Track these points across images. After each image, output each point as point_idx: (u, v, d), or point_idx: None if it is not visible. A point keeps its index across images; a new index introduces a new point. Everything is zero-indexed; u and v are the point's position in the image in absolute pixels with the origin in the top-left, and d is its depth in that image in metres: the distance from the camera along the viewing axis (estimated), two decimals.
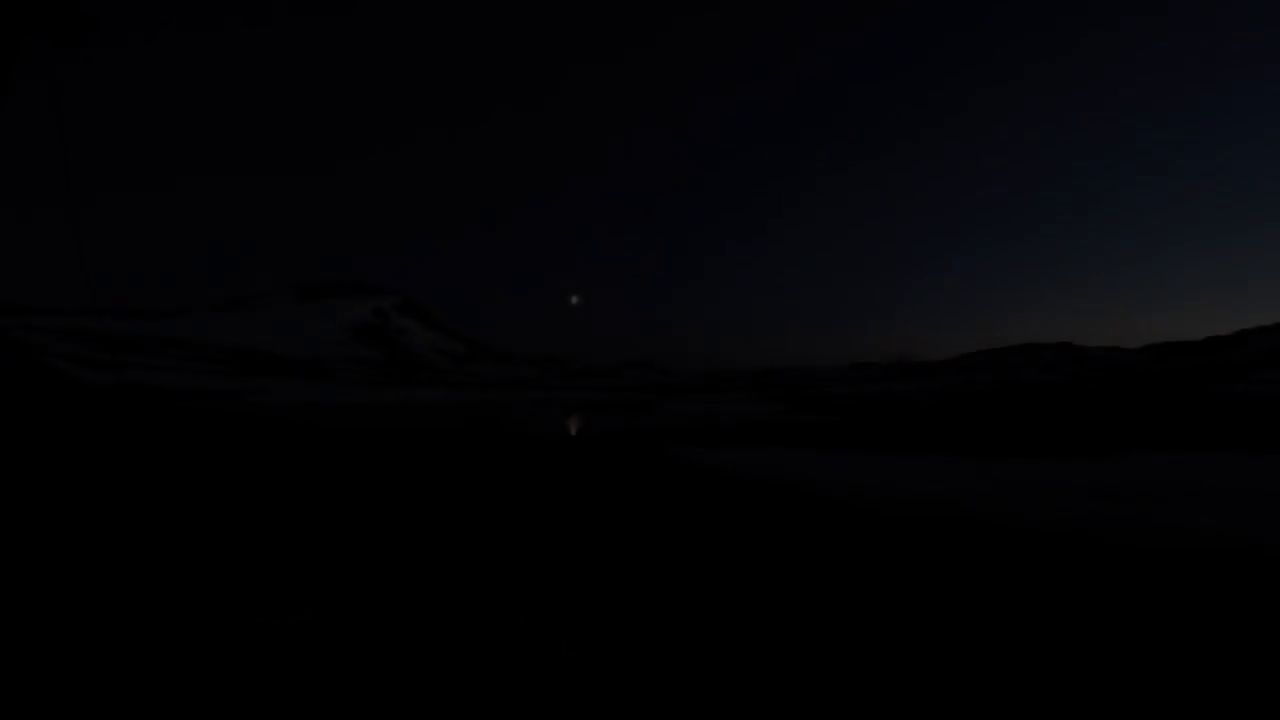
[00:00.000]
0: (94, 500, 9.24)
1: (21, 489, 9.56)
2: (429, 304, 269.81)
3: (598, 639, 5.15)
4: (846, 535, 9.80)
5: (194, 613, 5.07)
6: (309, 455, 16.19)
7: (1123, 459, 17.87)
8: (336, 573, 6.33)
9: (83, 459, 12.54)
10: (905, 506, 12.04)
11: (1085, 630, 5.96)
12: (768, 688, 4.53)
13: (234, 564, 6.44)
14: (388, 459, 16.29)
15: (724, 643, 5.26)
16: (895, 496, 12.99)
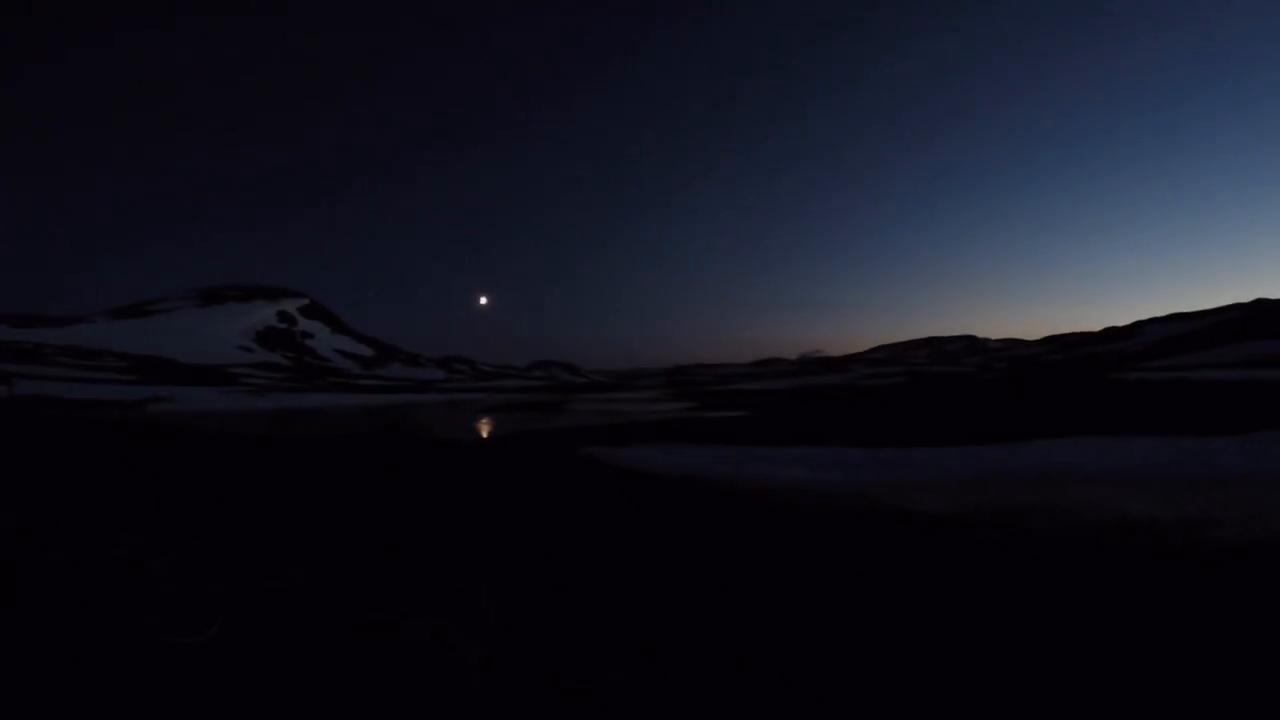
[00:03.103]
0: None
1: None
2: (335, 306, 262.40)
3: (507, 640, 5.06)
4: (757, 528, 9.82)
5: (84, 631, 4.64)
6: (214, 464, 15.58)
7: (1026, 446, 18.35)
8: (238, 583, 6.02)
9: None
10: (814, 498, 12.04)
11: (991, 614, 6.03)
12: (675, 682, 4.52)
13: (129, 580, 5.89)
14: (296, 466, 15.75)
15: (633, 639, 5.25)
16: (804, 489, 12.94)
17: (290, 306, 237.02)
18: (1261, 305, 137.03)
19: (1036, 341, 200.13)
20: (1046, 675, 4.76)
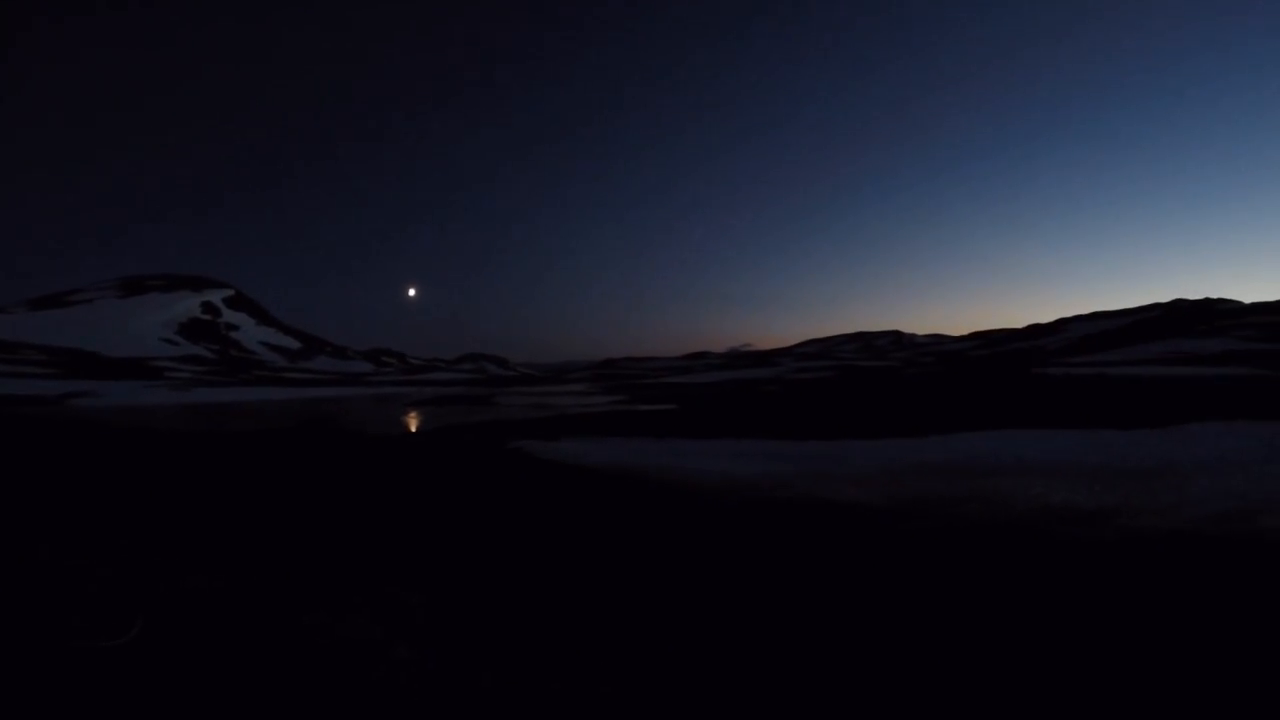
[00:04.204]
0: None
1: None
2: (261, 297, 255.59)
3: (436, 637, 5.00)
4: (686, 520, 9.80)
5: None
6: (137, 461, 14.99)
7: (952, 438, 18.57)
8: (160, 583, 5.77)
9: None
10: (743, 490, 11.95)
11: (915, 601, 6.14)
12: (601, 677, 4.50)
13: (48, 581, 5.55)
14: (222, 462, 15.26)
15: (563, 633, 5.23)
16: (734, 481, 12.83)
17: (215, 297, 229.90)
18: (1179, 305, 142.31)
19: (963, 337, 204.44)
20: (969, 658, 4.86)
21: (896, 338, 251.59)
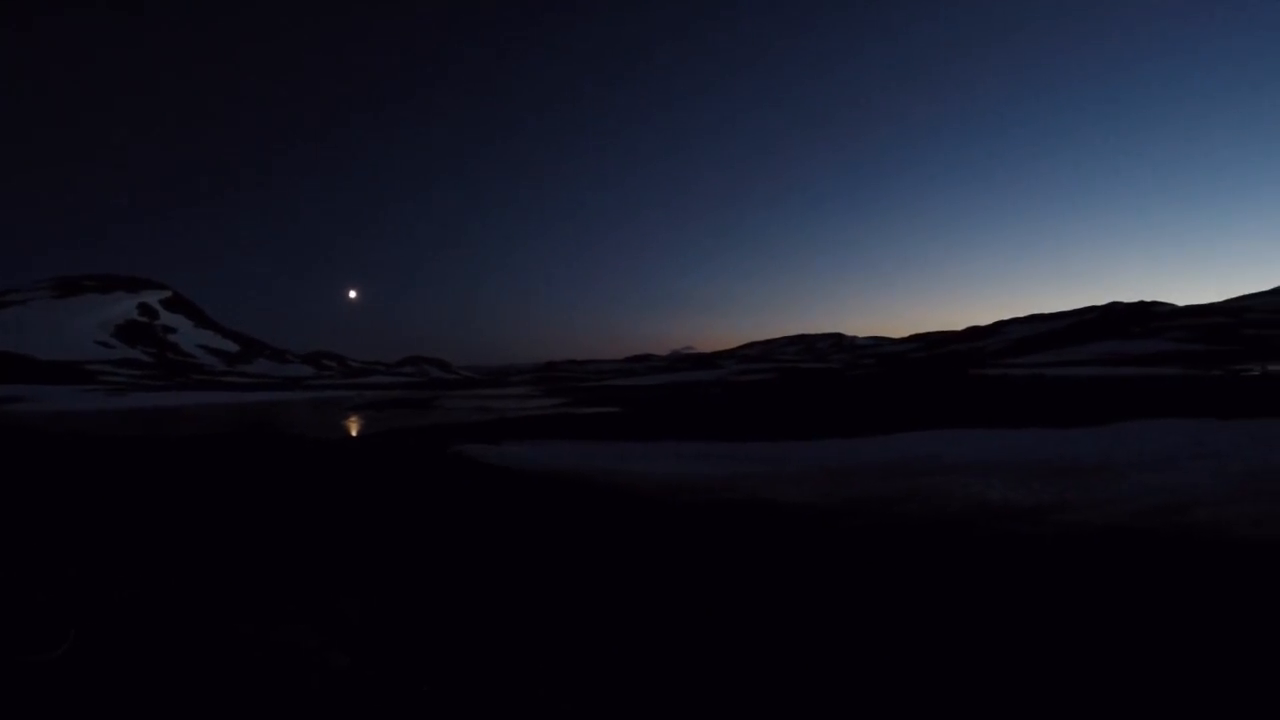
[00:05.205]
0: None
1: None
2: (199, 298, 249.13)
3: (373, 645, 4.88)
4: (630, 524, 9.71)
5: None
6: (70, 468, 14.46)
7: (893, 438, 18.74)
8: (92, 594, 5.61)
9: None
10: (687, 492, 11.83)
11: (857, 598, 6.16)
12: (541, 681, 4.42)
13: None
14: (157, 469, 14.68)
15: (501, 639, 5.13)
16: (677, 483, 12.70)
17: (152, 299, 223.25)
18: (1115, 307, 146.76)
19: (903, 339, 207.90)
20: (906, 653, 4.86)
21: (838, 340, 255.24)
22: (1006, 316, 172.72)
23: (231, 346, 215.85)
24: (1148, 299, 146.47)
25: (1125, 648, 4.88)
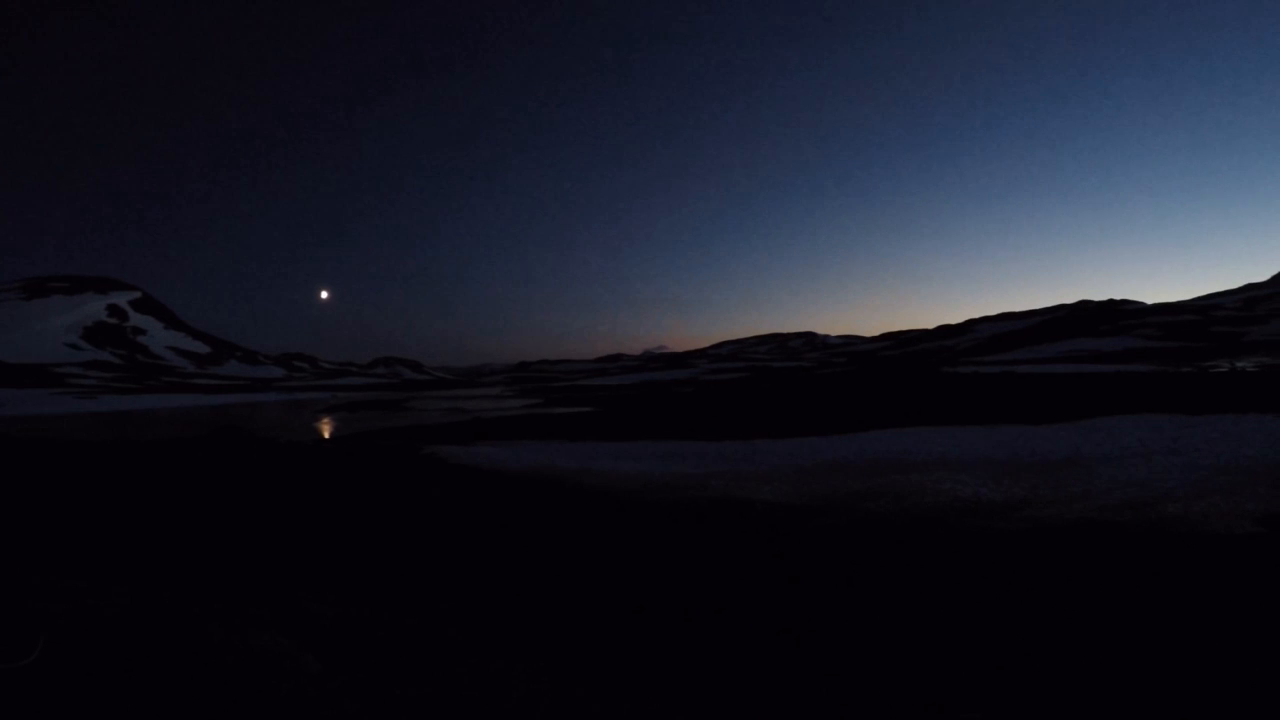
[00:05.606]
0: None
1: None
2: (169, 299, 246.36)
3: (347, 649, 4.75)
4: (604, 524, 9.66)
5: None
6: (39, 473, 14.25)
7: (865, 436, 18.79)
8: (63, 598, 5.18)
9: None
10: (660, 491, 11.80)
11: (830, 593, 6.17)
12: (518, 682, 4.35)
13: None
14: (128, 473, 14.43)
15: (476, 641, 5.12)
16: (651, 482, 12.62)
17: (121, 300, 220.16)
18: (1085, 306, 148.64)
19: (875, 338, 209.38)
20: (876, 646, 4.88)
21: (810, 339, 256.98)
22: (977, 315, 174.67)
23: (202, 348, 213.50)
24: (1117, 297, 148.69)
25: (1094, 639, 4.87)
